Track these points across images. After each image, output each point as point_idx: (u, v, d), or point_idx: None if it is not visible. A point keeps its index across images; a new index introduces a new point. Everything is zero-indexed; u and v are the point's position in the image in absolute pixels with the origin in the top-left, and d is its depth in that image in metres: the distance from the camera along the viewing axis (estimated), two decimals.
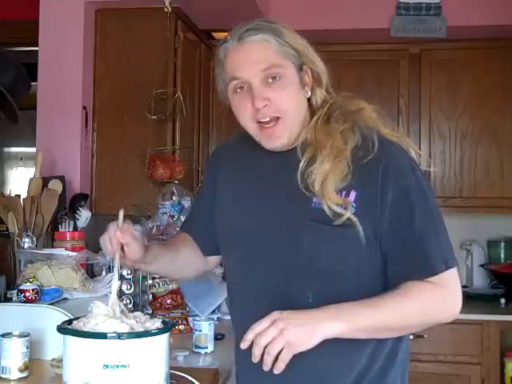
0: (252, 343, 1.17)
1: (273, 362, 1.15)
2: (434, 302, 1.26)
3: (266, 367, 1.15)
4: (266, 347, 1.15)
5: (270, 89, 1.29)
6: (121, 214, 1.32)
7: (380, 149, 1.28)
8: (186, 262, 1.55)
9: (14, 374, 1.60)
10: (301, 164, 1.30)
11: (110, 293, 1.30)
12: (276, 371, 1.15)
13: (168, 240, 1.64)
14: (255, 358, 1.16)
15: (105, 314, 1.26)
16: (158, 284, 2.42)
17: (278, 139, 1.33)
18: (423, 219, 1.26)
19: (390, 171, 1.26)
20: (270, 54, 1.29)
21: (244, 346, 1.18)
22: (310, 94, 1.35)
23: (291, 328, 1.15)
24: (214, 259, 1.59)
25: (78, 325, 1.28)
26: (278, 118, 1.31)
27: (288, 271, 1.31)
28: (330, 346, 1.20)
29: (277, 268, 1.33)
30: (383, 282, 1.29)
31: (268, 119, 1.31)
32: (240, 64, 1.30)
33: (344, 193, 1.26)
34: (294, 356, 1.16)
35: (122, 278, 2.21)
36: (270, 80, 1.29)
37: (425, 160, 1.37)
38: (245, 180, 1.44)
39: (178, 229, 2.55)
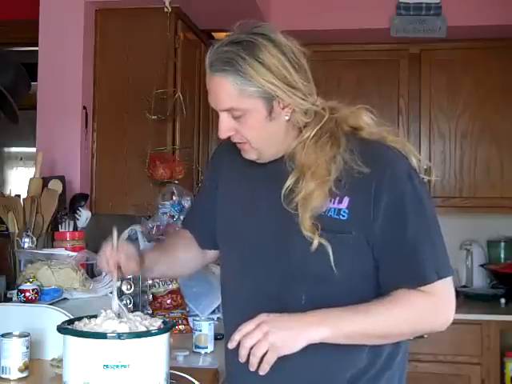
0: (239, 344, 1.19)
1: (258, 362, 1.17)
2: (425, 310, 1.26)
3: (252, 368, 1.18)
4: (252, 348, 1.17)
5: (235, 120, 1.30)
6: (114, 233, 1.37)
7: (378, 156, 1.28)
8: (183, 262, 1.58)
9: (14, 374, 1.60)
10: (285, 185, 1.30)
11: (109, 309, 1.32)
12: (261, 372, 1.18)
13: (166, 239, 1.67)
14: (242, 359, 1.19)
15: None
16: (158, 284, 2.42)
17: (247, 154, 1.36)
18: (417, 227, 1.25)
19: (385, 178, 1.26)
20: (232, 97, 1.27)
21: (231, 345, 1.21)
22: (288, 117, 1.31)
23: (276, 331, 1.18)
24: (213, 253, 1.61)
25: (78, 325, 1.29)
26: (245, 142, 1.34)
27: (280, 275, 1.32)
28: (323, 348, 1.21)
29: (270, 272, 1.34)
30: (376, 285, 1.29)
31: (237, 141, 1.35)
32: (209, 94, 1.31)
33: (337, 199, 1.27)
34: (284, 357, 1.18)
35: (121, 278, 2.22)
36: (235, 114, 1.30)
37: (425, 165, 1.35)
38: (240, 182, 1.45)
39: (178, 228, 2.56)
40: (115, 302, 1.34)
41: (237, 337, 1.20)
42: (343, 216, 1.26)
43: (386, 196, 1.25)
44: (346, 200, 1.27)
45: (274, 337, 1.17)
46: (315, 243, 1.24)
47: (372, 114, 1.36)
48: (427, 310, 1.26)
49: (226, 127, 1.31)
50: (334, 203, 1.27)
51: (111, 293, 1.38)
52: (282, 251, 1.32)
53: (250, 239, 1.38)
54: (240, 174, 1.45)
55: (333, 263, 1.24)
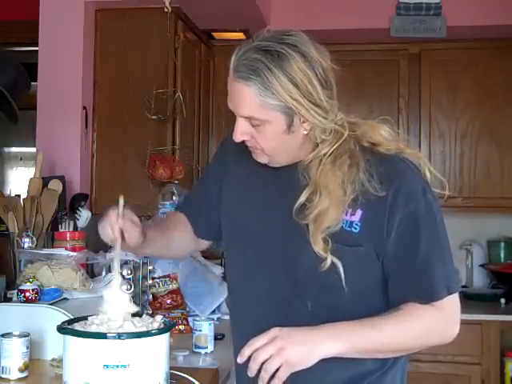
0: (249, 357, 1.18)
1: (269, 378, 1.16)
2: (435, 325, 1.27)
3: (262, 383, 1.17)
4: (263, 363, 1.16)
5: (252, 127, 1.27)
6: (121, 201, 1.33)
7: (394, 172, 1.26)
8: (178, 245, 1.56)
9: (14, 374, 1.60)
10: (299, 200, 1.28)
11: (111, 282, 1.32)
12: None
13: (164, 219, 1.64)
14: (251, 373, 1.18)
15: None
16: (158, 284, 2.42)
17: (258, 158, 1.34)
18: (429, 243, 1.25)
19: (400, 193, 1.24)
20: (252, 107, 1.23)
21: (240, 360, 1.20)
22: (306, 132, 1.27)
23: (291, 347, 1.17)
24: (206, 243, 1.61)
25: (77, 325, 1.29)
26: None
27: (287, 283, 1.31)
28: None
29: (276, 278, 1.33)
30: (381, 294, 1.29)
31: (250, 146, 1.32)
32: (230, 98, 1.28)
33: (350, 211, 1.25)
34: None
35: (122, 277, 2.21)
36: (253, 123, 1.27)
37: (434, 177, 1.34)
38: (250, 180, 1.42)
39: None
40: (117, 272, 1.32)
41: (247, 352, 1.18)
42: (355, 229, 1.25)
43: (400, 212, 1.24)
44: (358, 212, 1.25)
45: (288, 353, 1.16)
46: (328, 262, 1.23)
47: (390, 126, 1.33)
48: (438, 324, 1.27)
49: (241, 132, 1.28)
50: (346, 215, 1.26)
51: (111, 280, 1.34)
52: (290, 261, 1.30)
53: (257, 243, 1.36)
54: (250, 171, 1.41)
55: (343, 278, 1.23)
